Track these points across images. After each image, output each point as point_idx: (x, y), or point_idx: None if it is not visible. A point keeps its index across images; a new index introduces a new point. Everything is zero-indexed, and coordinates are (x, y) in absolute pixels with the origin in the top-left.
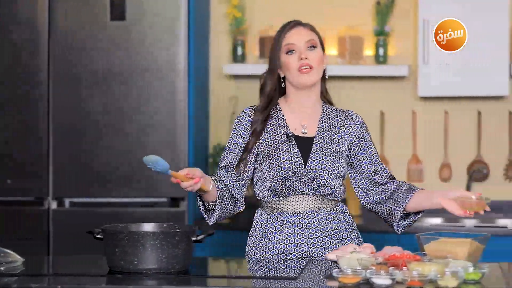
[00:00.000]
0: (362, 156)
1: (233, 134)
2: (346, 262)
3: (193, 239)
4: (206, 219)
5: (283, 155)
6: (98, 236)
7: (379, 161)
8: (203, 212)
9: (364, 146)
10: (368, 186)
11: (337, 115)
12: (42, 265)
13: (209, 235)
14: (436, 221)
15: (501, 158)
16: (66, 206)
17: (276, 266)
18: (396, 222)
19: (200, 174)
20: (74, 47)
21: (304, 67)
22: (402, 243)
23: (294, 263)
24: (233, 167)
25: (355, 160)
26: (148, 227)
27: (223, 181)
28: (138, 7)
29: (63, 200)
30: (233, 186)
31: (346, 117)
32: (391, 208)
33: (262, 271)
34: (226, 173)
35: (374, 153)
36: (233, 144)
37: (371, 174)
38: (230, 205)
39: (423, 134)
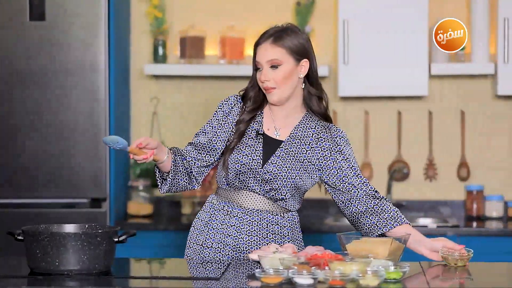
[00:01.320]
0: (338, 170)
1: (212, 116)
2: (268, 262)
3: (115, 239)
4: (159, 187)
5: (245, 149)
6: (19, 237)
7: (359, 174)
8: (158, 179)
9: (341, 159)
10: (346, 197)
11: (315, 126)
12: None
13: (131, 236)
14: None
15: (421, 158)
16: None
17: (199, 267)
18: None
19: (155, 145)
20: None
21: (265, 89)
22: (323, 243)
23: (217, 263)
24: (201, 147)
25: (330, 173)
26: (70, 228)
27: (186, 157)
28: (58, 7)
29: None
30: (195, 165)
31: (324, 130)
32: (369, 228)
33: (184, 272)
34: (193, 150)
35: (353, 166)
36: (210, 126)
37: (349, 186)
38: (184, 181)
39: None
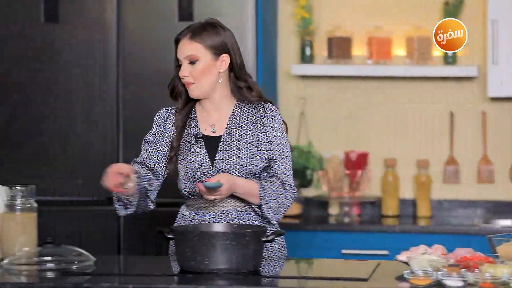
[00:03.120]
0: (260, 147)
1: (149, 133)
2: (417, 263)
3: (263, 239)
4: (118, 210)
5: (190, 156)
6: (169, 236)
7: (274, 158)
8: (116, 203)
9: (265, 140)
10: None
11: (249, 110)
12: (113, 265)
13: (279, 235)
14: (507, 222)
15: None
16: None
17: (345, 267)
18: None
19: None
20: (143, 47)
21: (185, 84)
22: (473, 245)
23: (363, 264)
24: (151, 170)
25: (260, 149)
26: (219, 227)
27: (143, 179)
28: (206, 8)
29: None
30: (148, 184)
31: (257, 110)
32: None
33: (332, 272)
34: (141, 169)
35: (273, 150)
36: (148, 144)
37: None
38: (143, 201)
39: (493, 135)
